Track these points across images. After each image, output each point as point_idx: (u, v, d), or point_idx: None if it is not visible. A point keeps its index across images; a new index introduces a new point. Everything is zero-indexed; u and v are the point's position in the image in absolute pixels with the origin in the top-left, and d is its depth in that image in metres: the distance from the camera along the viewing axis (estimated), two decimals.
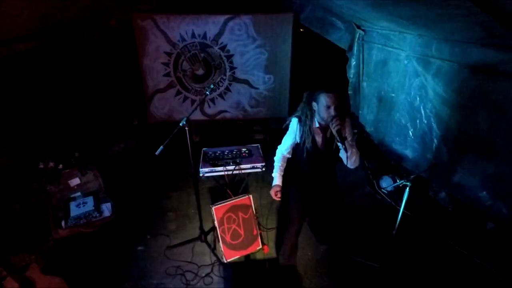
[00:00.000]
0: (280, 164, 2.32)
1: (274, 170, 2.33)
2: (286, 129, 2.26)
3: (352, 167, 2.09)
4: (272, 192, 2.31)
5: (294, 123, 2.19)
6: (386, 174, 3.74)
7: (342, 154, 2.07)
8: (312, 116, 2.10)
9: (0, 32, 2.35)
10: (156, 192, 3.71)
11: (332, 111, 1.93)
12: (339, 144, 1.99)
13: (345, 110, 2.11)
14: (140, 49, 4.09)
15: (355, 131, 4.37)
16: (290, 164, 2.36)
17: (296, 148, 2.26)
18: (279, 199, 2.31)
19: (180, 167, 4.09)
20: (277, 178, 2.32)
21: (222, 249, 2.67)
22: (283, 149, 2.29)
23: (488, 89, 2.40)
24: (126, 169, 4.15)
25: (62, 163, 3.09)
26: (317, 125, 2.10)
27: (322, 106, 1.96)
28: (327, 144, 2.13)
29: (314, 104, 2.04)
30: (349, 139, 2.03)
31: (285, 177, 2.36)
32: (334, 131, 1.93)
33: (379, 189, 3.62)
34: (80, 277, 2.57)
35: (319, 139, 2.13)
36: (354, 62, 4.14)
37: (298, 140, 2.19)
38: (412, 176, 2.36)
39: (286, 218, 2.47)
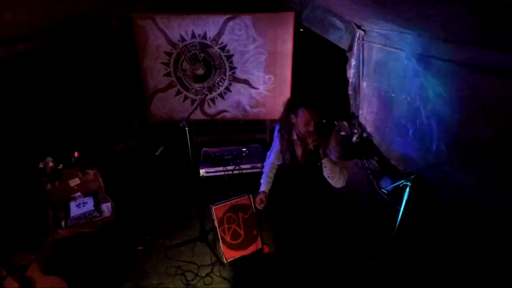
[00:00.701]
0: (268, 171, 2.27)
1: (262, 176, 2.30)
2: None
3: (337, 185, 1.97)
4: (256, 199, 2.24)
5: (276, 130, 2.15)
6: (386, 174, 3.74)
7: (326, 177, 1.95)
8: (291, 128, 2.02)
9: (0, 32, 2.35)
10: (156, 192, 3.71)
11: (310, 127, 1.85)
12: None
13: (332, 125, 2.07)
14: (140, 49, 4.09)
15: (355, 131, 4.37)
16: (279, 172, 2.30)
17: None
18: (263, 208, 2.23)
19: (180, 167, 4.09)
20: (263, 184, 2.26)
21: (222, 249, 2.67)
22: (272, 155, 2.25)
23: (488, 89, 2.39)
24: (126, 169, 4.15)
25: (62, 163, 3.09)
26: (295, 136, 2.03)
27: (301, 121, 1.89)
28: (307, 157, 2.04)
29: (292, 116, 1.96)
30: (333, 157, 1.93)
31: (274, 185, 2.28)
32: (311, 147, 1.84)
33: (379, 189, 3.62)
34: (80, 277, 2.57)
35: (298, 151, 2.06)
36: (354, 62, 4.14)
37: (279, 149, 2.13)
38: (412, 176, 2.36)
39: (282, 220, 2.47)
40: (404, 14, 2.43)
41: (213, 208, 2.66)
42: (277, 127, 2.14)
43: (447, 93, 2.79)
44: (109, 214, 3.06)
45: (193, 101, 4.44)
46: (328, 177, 1.90)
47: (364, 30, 3.85)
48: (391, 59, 3.50)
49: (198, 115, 4.49)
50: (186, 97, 4.42)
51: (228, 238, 2.69)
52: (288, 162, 2.06)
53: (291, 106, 1.98)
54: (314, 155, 1.83)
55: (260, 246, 2.81)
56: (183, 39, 4.04)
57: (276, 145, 2.18)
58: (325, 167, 1.83)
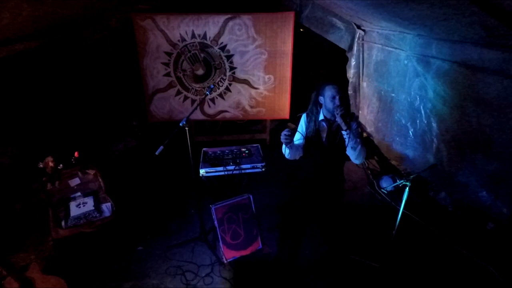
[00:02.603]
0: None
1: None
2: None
3: (357, 161, 2.13)
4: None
5: (303, 118, 2.29)
6: (386, 174, 3.74)
7: (349, 151, 2.12)
8: (318, 112, 2.20)
9: (0, 32, 2.35)
10: (156, 192, 3.71)
11: (337, 101, 2.05)
12: (343, 132, 2.05)
13: (352, 113, 2.27)
14: (140, 49, 4.09)
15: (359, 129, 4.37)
16: (296, 170, 2.38)
17: (304, 148, 2.27)
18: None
19: (180, 167, 4.09)
20: None
21: (222, 249, 2.67)
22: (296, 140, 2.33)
23: (488, 89, 2.39)
24: (126, 169, 4.15)
25: (62, 163, 3.09)
26: (322, 117, 2.18)
27: (328, 97, 2.08)
28: (331, 139, 2.19)
29: (321, 98, 2.16)
30: (354, 134, 2.10)
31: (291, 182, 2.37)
32: (338, 117, 2.02)
33: (379, 189, 3.62)
34: (80, 277, 2.57)
35: (323, 133, 2.19)
36: (354, 62, 4.15)
37: (304, 135, 2.26)
38: (412, 176, 2.36)
39: (289, 220, 2.46)
40: (405, 14, 2.43)
41: (213, 208, 2.66)
42: (304, 115, 2.29)
43: (447, 93, 2.79)
44: (109, 214, 3.06)
45: (193, 101, 4.44)
46: (352, 147, 2.07)
47: (364, 30, 3.85)
48: (391, 59, 3.50)
49: (198, 115, 4.49)
50: (186, 97, 4.42)
51: (228, 238, 2.69)
52: (315, 144, 2.20)
53: (317, 90, 2.19)
54: (340, 128, 2.04)
55: (260, 246, 2.81)
56: (183, 39, 4.05)
57: (299, 133, 2.29)
58: (349, 137, 2.04)
